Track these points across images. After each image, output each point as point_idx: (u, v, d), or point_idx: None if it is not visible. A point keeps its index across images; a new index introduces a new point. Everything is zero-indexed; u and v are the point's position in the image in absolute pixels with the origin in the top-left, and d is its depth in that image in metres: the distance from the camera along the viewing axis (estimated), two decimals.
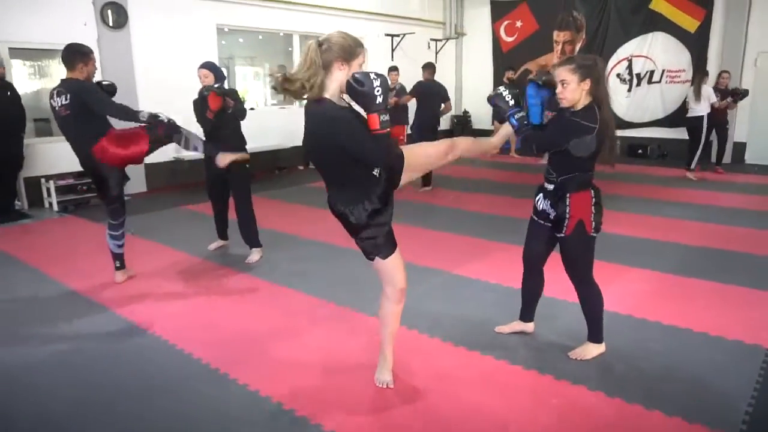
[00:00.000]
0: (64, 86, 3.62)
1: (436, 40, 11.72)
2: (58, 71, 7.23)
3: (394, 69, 7.96)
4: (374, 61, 10.18)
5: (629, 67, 10.33)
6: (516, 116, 2.62)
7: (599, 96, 2.56)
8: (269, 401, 2.50)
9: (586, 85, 2.53)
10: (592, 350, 2.82)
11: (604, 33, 10.45)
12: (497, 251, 4.53)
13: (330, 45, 2.14)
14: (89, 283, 4.03)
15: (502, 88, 2.71)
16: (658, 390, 2.54)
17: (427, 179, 7.41)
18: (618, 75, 10.44)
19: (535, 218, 2.84)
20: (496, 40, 11.74)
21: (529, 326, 3.09)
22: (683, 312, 3.35)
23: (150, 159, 7.53)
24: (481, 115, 11.71)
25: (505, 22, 11.56)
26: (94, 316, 3.50)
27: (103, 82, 4.01)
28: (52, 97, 3.64)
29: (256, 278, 4.12)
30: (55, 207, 6.48)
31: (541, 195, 2.78)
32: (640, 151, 10.03)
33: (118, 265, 4.05)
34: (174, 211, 6.45)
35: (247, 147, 4.50)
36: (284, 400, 2.49)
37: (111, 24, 6.99)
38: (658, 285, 3.84)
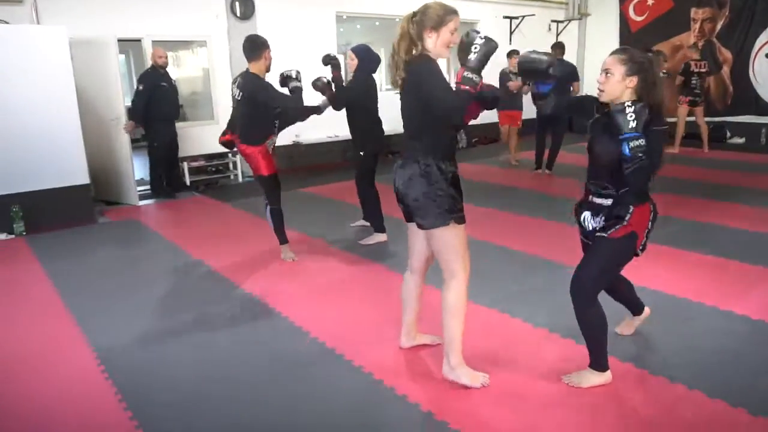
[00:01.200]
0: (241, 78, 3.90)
1: (557, 22, 11.16)
2: (191, 60, 7.81)
3: (514, 53, 7.68)
4: None
5: None
6: (632, 144, 2.11)
7: (651, 101, 2.21)
8: (381, 384, 2.53)
9: (632, 82, 2.23)
10: (591, 378, 2.42)
11: (752, 8, 9.35)
12: None
13: (422, 15, 2.28)
14: (217, 260, 4.31)
15: (628, 102, 2.18)
16: None
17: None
18: (767, 55, 9.33)
19: (585, 240, 2.48)
20: (624, 20, 10.93)
21: (645, 312, 2.85)
22: None
23: None
24: None
25: (635, 0, 10.73)
26: (218, 290, 3.75)
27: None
28: (234, 83, 3.98)
29: (370, 261, 4.19)
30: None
31: (587, 213, 2.40)
32: None
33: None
34: (293, 194, 6.73)
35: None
36: (396, 385, 2.51)
37: (239, 15, 7.40)
38: None
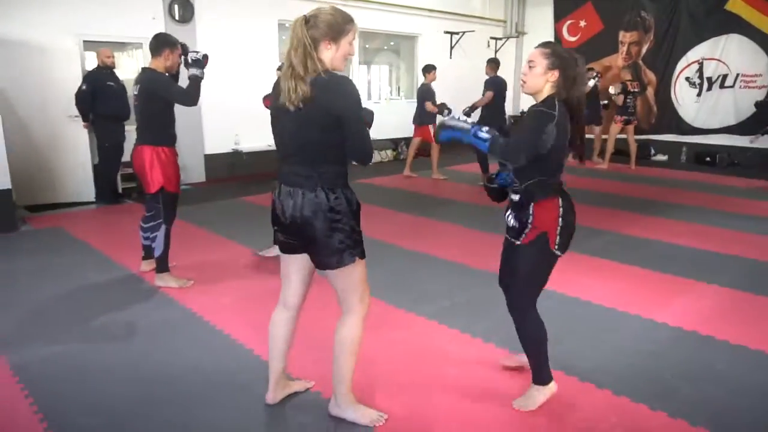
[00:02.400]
0: (140, 76, 3.71)
1: (496, 39, 11.53)
2: (126, 63, 7.52)
3: (431, 67, 7.82)
4: (433, 59, 10.07)
5: (699, 71, 9.85)
6: (484, 130, 2.19)
7: (570, 95, 2.24)
8: (321, 396, 2.50)
9: (553, 76, 2.22)
10: (538, 396, 2.40)
11: (674, 34, 10.01)
12: None
13: (316, 21, 2.01)
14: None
15: (448, 113, 2.33)
16: (726, 416, 2.39)
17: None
18: (687, 78, 9.99)
19: (507, 236, 2.43)
20: (558, 40, 11.41)
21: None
22: (753, 331, 3.16)
23: (209, 150, 7.84)
24: None
25: (568, 22, 11.24)
26: (150, 300, 3.61)
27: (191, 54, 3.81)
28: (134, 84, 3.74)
29: None
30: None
31: (510, 211, 2.38)
32: (708, 159, 9.53)
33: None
34: (233, 203, 6.59)
35: None
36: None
37: (177, 18, 7.22)
38: (725, 301, 3.63)
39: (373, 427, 2.28)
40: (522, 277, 2.34)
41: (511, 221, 2.35)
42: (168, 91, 3.63)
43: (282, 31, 8.53)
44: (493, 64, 7.66)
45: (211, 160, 7.86)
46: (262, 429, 2.33)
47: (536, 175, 2.24)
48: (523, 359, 2.60)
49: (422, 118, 7.83)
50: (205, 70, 3.74)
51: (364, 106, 2.10)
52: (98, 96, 6.04)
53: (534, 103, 2.30)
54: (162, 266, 3.83)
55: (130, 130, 6.48)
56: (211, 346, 3.02)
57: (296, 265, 2.27)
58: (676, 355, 2.91)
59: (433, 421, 2.35)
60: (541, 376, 2.43)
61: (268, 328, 2.38)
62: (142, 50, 7.08)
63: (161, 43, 3.70)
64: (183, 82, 3.73)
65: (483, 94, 7.53)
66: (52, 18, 6.18)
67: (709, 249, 4.72)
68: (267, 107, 4.03)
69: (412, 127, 8.05)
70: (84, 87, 6.04)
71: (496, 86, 7.46)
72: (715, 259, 4.50)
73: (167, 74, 3.74)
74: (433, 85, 7.81)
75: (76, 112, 6.13)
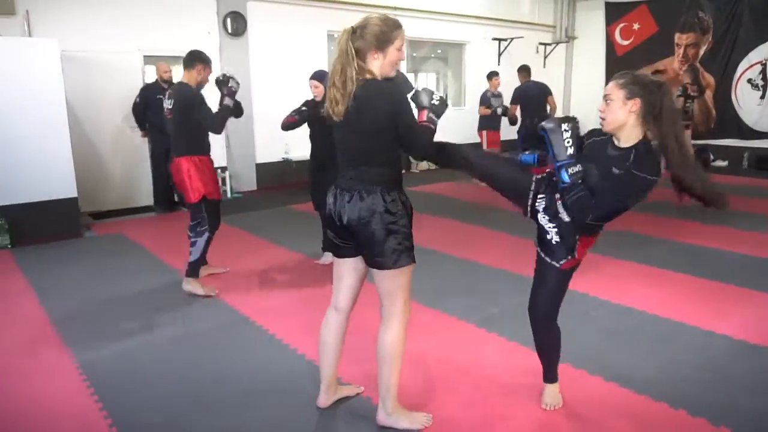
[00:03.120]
0: (173, 90, 3.81)
1: (545, 44, 11.36)
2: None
3: (493, 74, 7.79)
4: (481, 66, 10.05)
5: (763, 72, 9.41)
6: (570, 170, 2.01)
7: (661, 131, 1.99)
8: (370, 402, 2.53)
9: (635, 106, 1.98)
10: (554, 390, 2.49)
11: (734, 35, 9.60)
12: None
13: (362, 32, 2.04)
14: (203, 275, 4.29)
15: (565, 125, 2.02)
16: None
17: None
18: (749, 80, 9.56)
19: (539, 249, 2.38)
20: (610, 44, 11.16)
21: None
22: None
23: (260, 159, 8.05)
24: (590, 122, 11.19)
25: (621, 25, 10.97)
26: (204, 303, 3.74)
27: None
28: (166, 98, 3.82)
29: None
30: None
31: (549, 221, 2.26)
32: None
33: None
34: (283, 211, 6.74)
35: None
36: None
37: (231, 32, 7.46)
38: None
39: (421, 429, 2.29)
40: (551, 293, 2.33)
41: (550, 232, 2.23)
42: (200, 111, 3.68)
43: (331, 42, 8.68)
44: (524, 72, 7.49)
45: (262, 168, 8.06)
46: (306, 429, 2.37)
47: (594, 219, 2.11)
48: None
49: (479, 123, 7.81)
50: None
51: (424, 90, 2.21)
52: (150, 108, 6.30)
53: (618, 142, 2.07)
54: (193, 272, 3.89)
55: None
56: (262, 349, 3.10)
57: (349, 268, 2.30)
58: (738, 369, 2.78)
59: (479, 429, 2.33)
60: (552, 376, 2.49)
61: (318, 331, 2.42)
62: None
63: (194, 58, 3.78)
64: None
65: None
66: (114, 34, 6.52)
67: None
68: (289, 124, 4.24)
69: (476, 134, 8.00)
70: (138, 100, 6.41)
71: (516, 97, 7.32)
72: None
73: (198, 88, 3.80)
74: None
75: (135, 123, 6.50)
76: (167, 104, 3.79)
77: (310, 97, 4.40)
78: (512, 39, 10.51)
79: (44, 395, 2.65)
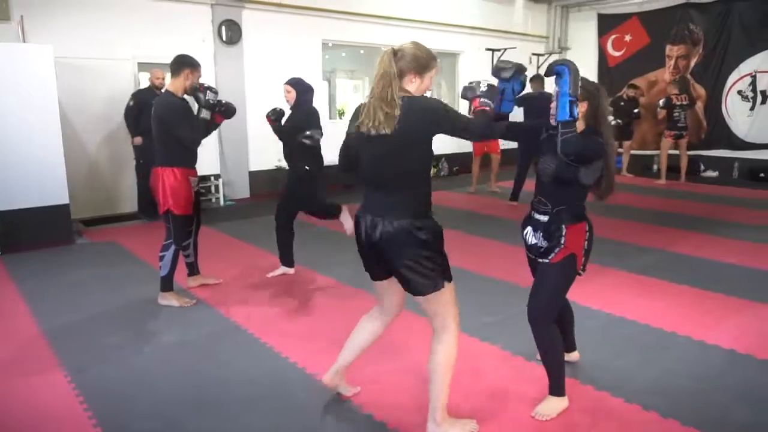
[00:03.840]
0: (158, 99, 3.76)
1: (538, 55, 11.45)
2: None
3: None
4: (474, 76, 10.11)
5: (753, 84, 9.52)
6: (578, 106, 2.22)
7: (598, 123, 2.39)
8: (360, 410, 2.52)
9: (582, 107, 2.32)
10: (557, 405, 2.46)
11: (724, 47, 9.72)
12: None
13: (404, 54, 2.13)
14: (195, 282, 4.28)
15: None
16: None
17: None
18: (739, 92, 9.66)
19: (530, 255, 2.57)
20: (603, 55, 11.26)
21: (573, 356, 2.88)
22: None
23: (254, 166, 8.05)
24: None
25: (613, 36, 11.07)
26: (198, 312, 3.72)
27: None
28: None
29: (348, 286, 4.19)
30: None
31: (529, 228, 2.51)
32: (762, 174, 9.18)
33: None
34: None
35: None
36: (379, 411, 2.50)
37: (225, 40, 7.48)
38: None
39: None
40: (548, 292, 2.44)
41: (539, 241, 2.44)
42: (176, 127, 3.61)
43: (325, 50, 8.72)
44: (539, 81, 7.52)
45: (255, 176, 8.06)
46: None
47: (567, 201, 2.39)
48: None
49: None
50: (225, 120, 3.82)
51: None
52: (143, 114, 6.07)
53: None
54: (166, 285, 3.82)
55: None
56: (254, 357, 3.09)
57: (390, 288, 2.33)
58: (729, 379, 2.80)
59: None
60: (559, 387, 2.48)
61: (355, 324, 2.48)
62: None
63: (181, 64, 3.69)
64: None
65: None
66: (109, 40, 6.52)
67: (763, 268, 4.54)
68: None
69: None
70: (131, 103, 6.29)
71: (520, 99, 7.32)
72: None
73: (185, 95, 3.74)
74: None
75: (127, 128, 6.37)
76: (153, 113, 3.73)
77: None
78: (505, 49, 10.58)
79: (34, 405, 2.62)
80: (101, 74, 6.41)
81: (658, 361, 2.98)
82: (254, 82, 7.76)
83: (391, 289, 2.33)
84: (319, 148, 4.27)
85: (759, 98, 9.50)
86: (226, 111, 3.85)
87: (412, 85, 2.15)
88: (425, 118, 2.09)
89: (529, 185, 7.15)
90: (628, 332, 3.34)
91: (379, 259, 2.22)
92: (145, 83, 6.98)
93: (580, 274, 2.46)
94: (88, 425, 2.43)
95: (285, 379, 2.83)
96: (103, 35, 6.48)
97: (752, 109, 9.58)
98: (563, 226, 2.37)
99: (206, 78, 7.36)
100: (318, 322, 3.57)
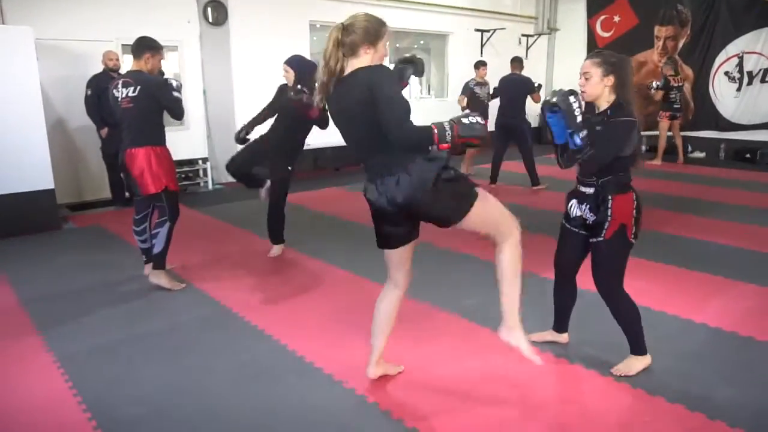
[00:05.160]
0: (132, 77, 3.66)
1: (527, 36, 11.40)
2: (163, 65, 7.70)
3: (481, 63, 7.83)
4: (463, 56, 10.08)
5: (740, 65, 9.56)
6: (581, 135, 2.38)
7: (625, 97, 2.46)
8: (353, 393, 2.53)
9: (609, 81, 2.43)
10: (636, 364, 2.62)
11: (711, 28, 9.74)
12: None
13: (354, 29, 2.13)
14: (183, 266, 4.26)
15: (572, 97, 2.37)
16: (766, 418, 2.33)
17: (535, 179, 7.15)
18: (726, 73, 9.71)
19: (567, 225, 2.68)
20: (592, 36, 11.24)
21: (563, 337, 2.92)
22: None
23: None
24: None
25: (602, 17, 11.05)
26: (186, 295, 3.71)
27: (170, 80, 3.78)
28: (116, 87, 3.67)
29: (335, 267, 4.19)
30: None
31: (574, 201, 2.61)
32: (748, 155, 9.25)
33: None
34: (264, 203, 6.67)
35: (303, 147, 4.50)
36: (368, 393, 2.52)
37: (211, 21, 7.36)
38: (765, 301, 3.53)
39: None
40: (609, 269, 2.55)
41: (585, 213, 2.55)
42: (167, 96, 3.62)
43: (313, 32, 8.61)
44: (517, 63, 7.38)
45: None
46: (288, 417, 2.37)
47: (613, 172, 2.46)
48: (549, 336, 2.90)
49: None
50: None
51: None
52: (101, 101, 5.83)
53: (597, 108, 2.50)
54: (160, 263, 3.79)
55: None
56: (244, 340, 3.09)
57: (402, 256, 2.38)
58: (715, 356, 2.85)
59: (472, 416, 2.36)
60: (639, 347, 2.62)
61: (375, 306, 2.49)
62: (177, 53, 7.25)
63: (143, 47, 3.67)
64: None
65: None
66: (91, 22, 6.39)
67: (748, 248, 4.59)
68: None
69: None
70: (89, 92, 5.96)
71: (498, 87, 7.36)
72: (754, 258, 4.37)
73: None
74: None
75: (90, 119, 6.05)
76: (125, 92, 3.62)
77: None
78: (495, 30, 10.53)
79: (21, 390, 2.61)
80: (84, 56, 6.28)
81: (645, 340, 3.01)
82: (241, 64, 7.66)
83: (403, 256, 2.38)
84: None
85: (746, 79, 9.55)
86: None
87: (367, 57, 2.15)
88: (366, 84, 2.07)
89: (507, 166, 7.24)
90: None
91: (401, 217, 2.22)
92: (129, 65, 6.84)
93: (632, 243, 2.52)
94: (79, 410, 2.42)
95: (275, 362, 2.83)
96: (85, 16, 6.35)
97: (739, 90, 9.63)
98: (609, 197, 2.45)
99: (192, 59, 7.29)
100: (308, 305, 3.57)
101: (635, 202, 2.49)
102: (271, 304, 3.59)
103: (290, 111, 4.16)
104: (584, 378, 2.65)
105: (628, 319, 2.59)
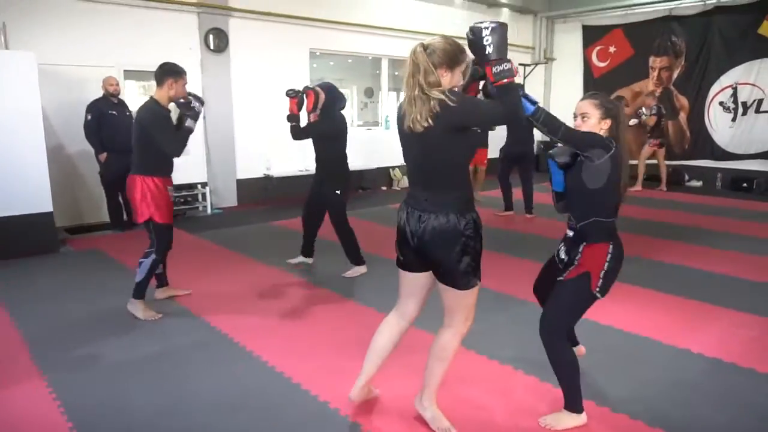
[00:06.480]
0: (139, 110, 3.69)
1: (524, 65, 11.56)
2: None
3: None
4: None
5: (734, 95, 9.69)
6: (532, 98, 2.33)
7: (619, 134, 2.43)
8: (344, 417, 2.50)
9: (606, 124, 2.41)
10: (567, 420, 2.42)
11: (706, 59, 9.90)
12: None
13: (434, 49, 2.12)
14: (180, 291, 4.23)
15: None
16: None
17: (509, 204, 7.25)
18: (721, 103, 9.83)
19: (554, 259, 2.64)
20: (588, 66, 11.41)
21: (580, 350, 2.93)
22: None
23: (241, 174, 8.02)
24: None
25: (598, 47, 11.23)
26: (182, 320, 3.68)
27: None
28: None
29: (338, 295, 4.17)
30: None
31: (562, 245, 2.56)
32: (744, 184, 9.32)
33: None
34: (264, 227, 6.69)
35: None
36: (360, 420, 2.49)
37: (213, 48, 7.46)
38: (764, 331, 3.52)
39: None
40: (558, 308, 2.44)
41: (563, 255, 2.50)
42: (159, 135, 3.59)
43: (312, 59, 8.74)
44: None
45: (242, 184, 8.03)
46: None
47: (592, 215, 2.39)
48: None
49: None
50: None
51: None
52: (103, 126, 5.98)
53: None
54: (137, 293, 3.74)
55: None
56: (239, 366, 3.06)
57: (421, 281, 2.35)
58: (712, 387, 2.82)
59: None
60: (574, 404, 2.44)
61: (376, 331, 2.48)
62: None
63: (165, 73, 3.65)
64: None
65: None
66: (93, 48, 6.47)
67: (745, 277, 4.59)
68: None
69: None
70: (89, 117, 6.01)
71: None
72: (751, 287, 4.37)
73: (170, 106, 3.70)
74: None
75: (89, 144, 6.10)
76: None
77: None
78: None
79: (14, 416, 2.57)
80: (85, 81, 6.35)
81: (642, 370, 2.99)
82: (241, 90, 7.74)
83: (419, 285, 2.35)
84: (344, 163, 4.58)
85: (740, 109, 9.68)
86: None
87: (444, 80, 2.12)
88: (458, 112, 2.06)
89: (495, 192, 7.27)
90: (612, 340, 3.36)
91: (419, 253, 2.23)
92: (130, 90, 6.93)
93: (597, 297, 2.40)
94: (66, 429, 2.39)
95: (269, 390, 2.80)
96: (87, 42, 6.43)
97: (734, 120, 9.75)
98: (582, 244, 2.40)
99: (193, 86, 7.34)
100: (304, 330, 3.54)
101: (609, 255, 2.37)
102: (268, 330, 3.56)
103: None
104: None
105: (566, 372, 2.42)
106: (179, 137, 3.67)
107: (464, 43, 2.17)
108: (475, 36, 2.03)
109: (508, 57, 2.05)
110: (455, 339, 2.32)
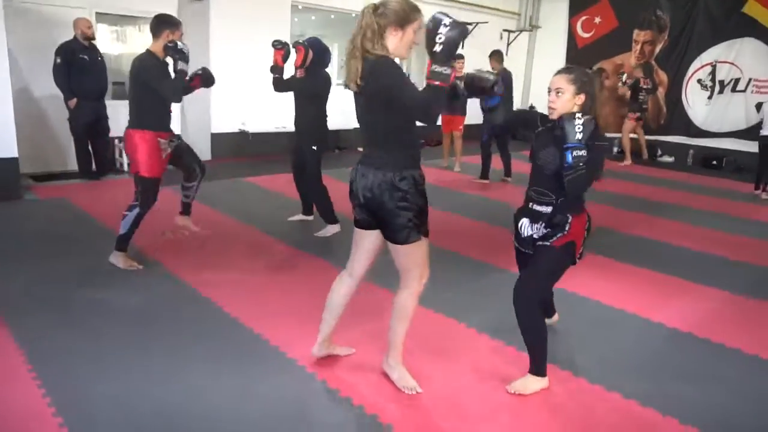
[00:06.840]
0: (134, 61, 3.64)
1: (509, 31, 11.45)
2: (137, 37, 7.50)
3: (459, 57, 7.79)
4: None
5: (712, 73, 9.78)
6: (575, 153, 2.27)
7: (594, 109, 2.42)
8: (323, 383, 2.53)
9: (580, 99, 2.40)
10: (533, 384, 2.49)
11: (689, 35, 9.93)
12: None
13: (384, 9, 2.14)
14: (145, 242, 4.17)
15: (578, 114, 2.33)
16: (714, 415, 2.42)
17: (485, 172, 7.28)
18: (699, 81, 9.92)
19: (520, 248, 2.63)
20: (572, 36, 11.34)
21: (555, 318, 3.08)
22: (749, 336, 3.17)
23: (215, 129, 7.84)
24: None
25: (583, 17, 11.15)
26: (154, 275, 3.65)
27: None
28: None
29: (309, 254, 4.17)
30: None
31: (525, 220, 2.56)
32: (714, 162, 9.50)
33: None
34: (237, 182, 6.60)
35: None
36: (342, 387, 2.53)
37: None
38: (725, 305, 3.65)
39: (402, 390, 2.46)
40: (543, 274, 2.50)
41: (536, 232, 2.51)
42: (158, 83, 3.56)
43: (294, 13, 8.49)
44: (498, 56, 7.52)
45: (217, 139, 7.87)
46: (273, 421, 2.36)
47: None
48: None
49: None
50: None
51: None
52: (73, 70, 5.75)
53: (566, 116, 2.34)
54: (120, 245, 3.74)
55: (114, 105, 6.23)
56: (210, 321, 3.06)
57: (369, 239, 2.40)
58: (671, 355, 2.94)
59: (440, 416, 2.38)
60: (540, 369, 2.51)
61: (330, 289, 2.54)
62: None
63: (161, 23, 3.62)
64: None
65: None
66: None
67: (711, 252, 4.73)
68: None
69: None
70: (58, 60, 5.75)
71: (506, 81, 7.35)
72: (716, 262, 4.51)
73: (165, 59, 3.66)
74: None
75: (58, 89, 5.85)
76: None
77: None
78: (477, 24, 10.52)
79: None
80: (56, 23, 6.06)
81: (606, 337, 3.10)
82: (220, 42, 7.49)
83: (370, 242, 2.40)
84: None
85: (717, 88, 9.77)
86: (205, 76, 3.86)
87: (393, 39, 2.16)
88: (382, 82, 2.11)
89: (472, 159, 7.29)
90: (580, 308, 3.44)
91: (366, 209, 2.30)
92: (103, 34, 6.65)
93: (575, 263, 2.52)
94: (44, 404, 2.37)
95: (246, 348, 2.81)
96: None
97: (710, 98, 9.86)
98: (569, 216, 2.43)
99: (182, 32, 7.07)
100: (272, 286, 3.54)
101: (587, 224, 2.52)
102: (239, 286, 3.55)
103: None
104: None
105: (535, 337, 2.47)
106: (176, 81, 3.63)
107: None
108: (432, 26, 2.02)
109: (454, 63, 2.09)
110: (412, 298, 2.39)
